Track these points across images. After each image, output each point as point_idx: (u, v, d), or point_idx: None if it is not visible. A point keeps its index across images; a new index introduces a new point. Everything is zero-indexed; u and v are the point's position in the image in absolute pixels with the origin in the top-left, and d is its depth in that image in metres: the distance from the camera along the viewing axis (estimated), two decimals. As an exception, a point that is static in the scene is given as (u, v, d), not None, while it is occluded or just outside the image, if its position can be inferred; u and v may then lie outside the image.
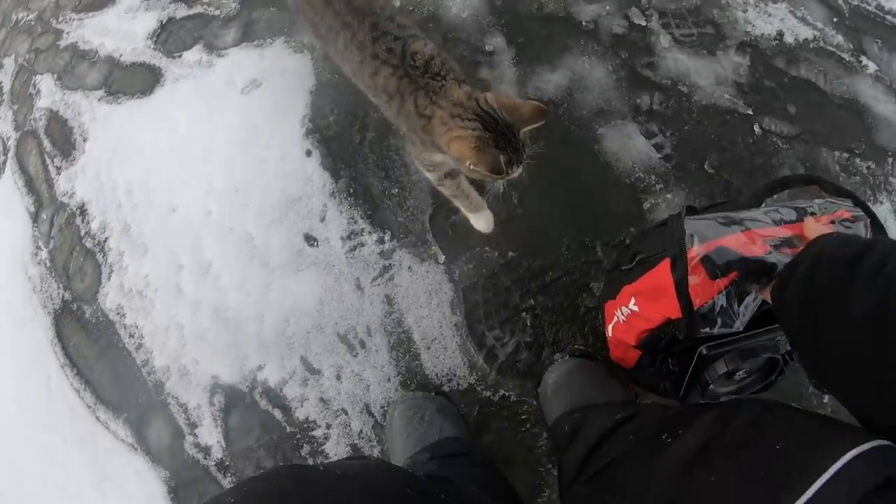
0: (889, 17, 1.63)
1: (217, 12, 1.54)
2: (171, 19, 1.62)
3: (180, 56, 1.53)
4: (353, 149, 1.28)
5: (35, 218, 1.73)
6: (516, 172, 0.86)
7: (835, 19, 1.54)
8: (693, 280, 0.76)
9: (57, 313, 1.58)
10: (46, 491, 1.47)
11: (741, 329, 0.76)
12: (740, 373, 0.89)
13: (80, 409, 1.47)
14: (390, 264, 1.19)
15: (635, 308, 0.92)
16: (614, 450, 0.73)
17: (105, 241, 1.54)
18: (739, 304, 0.74)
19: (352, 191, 1.25)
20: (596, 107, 1.27)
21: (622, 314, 0.96)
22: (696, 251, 0.76)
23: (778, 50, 1.43)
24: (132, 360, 1.40)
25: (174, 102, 1.48)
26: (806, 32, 1.49)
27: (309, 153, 1.29)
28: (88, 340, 1.50)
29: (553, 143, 1.23)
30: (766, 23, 1.45)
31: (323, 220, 1.23)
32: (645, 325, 0.91)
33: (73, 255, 1.60)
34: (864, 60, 1.50)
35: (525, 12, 1.39)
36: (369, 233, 1.21)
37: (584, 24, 1.37)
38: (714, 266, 0.73)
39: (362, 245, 1.20)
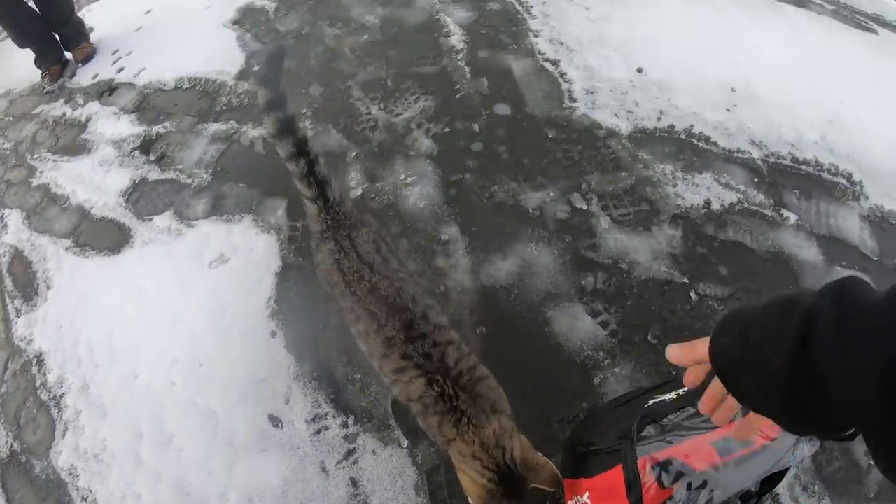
0: (804, 167, 1.84)
1: (189, 180, 1.62)
2: (143, 180, 1.68)
3: (150, 220, 1.58)
4: (316, 333, 1.34)
5: (-12, 359, 1.69)
6: None
7: (755, 179, 1.73)
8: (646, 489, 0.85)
9: (3, 462, 1.52)
10: None
11: None
12: None
13: (22, 579, 1.40)
14: (354, 448, 1.22)
15: (588, 501, 1.00)
16: None
17: (62, 397, 1.52)
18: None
19: (316, 374, 1.29)
20: (544, 290, 1.37)
21: (577, 502, 1.03)
22: (647, 474, 0.85)
23: (707, 217, 1.59)
24: (84, 527, 1.35)
25: (142, 267, 1.52)
26: (731, 196, 1.66)
27: (274, 334, 1.34)
28: (36, 498, 1.44)
29: (506, 328, 1.32)
30: (694, 193, 1.62)
31: (287, 402, 1.27)
32: (596, 517, 0.98)
33: (25, 405, 1.56)
34: (785, 213, 1.67)
35: (477, 201, 1.52)
36: (333, 416, 1.25)
37: (530, 211, 1.50)
38: (663, 478, 0.83)
39: (326, 428, 1.24)
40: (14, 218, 1.93)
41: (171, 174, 1.65)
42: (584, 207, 1.49)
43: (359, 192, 1.49)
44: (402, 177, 1.54)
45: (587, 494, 1.00)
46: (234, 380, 1.31)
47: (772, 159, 1.82)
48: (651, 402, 1.00)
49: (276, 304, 1.36)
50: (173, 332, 1.41)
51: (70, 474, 1.42)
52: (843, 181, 1.80)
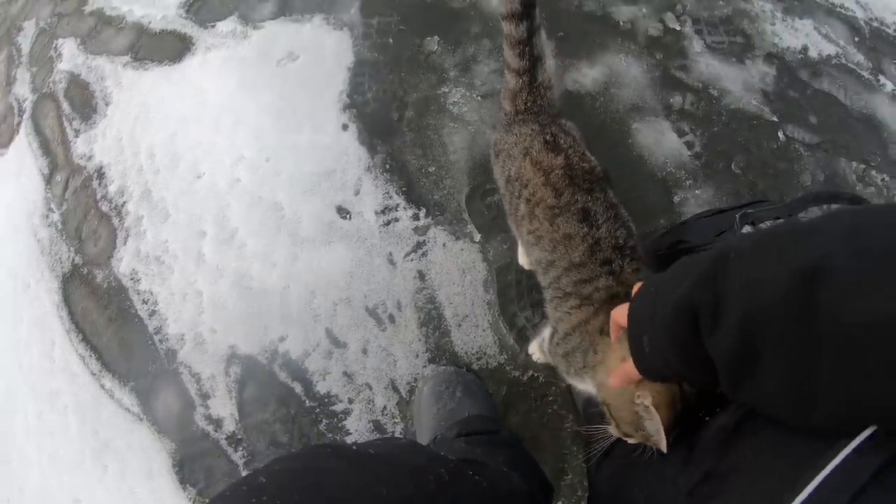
0: (905, 41, 1.70)
1: (255, -16, 1.54)
2: (206, -11, 1.61)
3: (213, 26, 1.53)
4: (391, 126, 1.29)
5: (48, 180, 1.68)
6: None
7: (856, 39, 1.61)
8: None
9: (65, 277, 1.53)
10: (42, 461, 1.42)
11: None
12: None
13: (84, 376, 1.43)
14: (424, 240, 1.19)
15: None
16: None
17: (123, 206, 1.51)
18: None
19: (388, 167, 1.25)
20: (631, 103, 1.30)
21: None
22: None
23: (802, 63, 1.48)
24: (144, 327, 1.36)
25: (205, 71, 1.47)
26: (829, 49, 1.54)
27: (345, 127, 1.29)
28: (98, 306, 1.45)
29: (589, 134, 1.25)
30: (792, 36, 1.50)
31: (357, 193, 1.23)
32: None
33: (87, 219, 1.57)
34: (883, 80, 1.56)
35: (564, 8, 1.43)
36: (404, 208, 1.21)
37: (621, 23, 1.41)
38: None
39: (396, 220, 1.21)
40: (68, 46, 1.89)
41: (235, -20, 1.58)
42: (678, 28, 1.40)
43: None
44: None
45: None
46: (302, 172, 1.27)
47: (874, 24, 1.68)
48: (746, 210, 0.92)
49: (348, 97, 1.31)
50: (237, 130, 1.37)
51: (131, 279, 1.43)
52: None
